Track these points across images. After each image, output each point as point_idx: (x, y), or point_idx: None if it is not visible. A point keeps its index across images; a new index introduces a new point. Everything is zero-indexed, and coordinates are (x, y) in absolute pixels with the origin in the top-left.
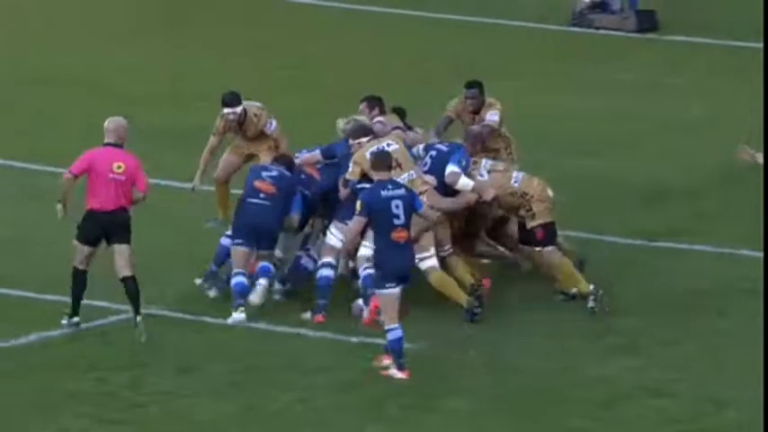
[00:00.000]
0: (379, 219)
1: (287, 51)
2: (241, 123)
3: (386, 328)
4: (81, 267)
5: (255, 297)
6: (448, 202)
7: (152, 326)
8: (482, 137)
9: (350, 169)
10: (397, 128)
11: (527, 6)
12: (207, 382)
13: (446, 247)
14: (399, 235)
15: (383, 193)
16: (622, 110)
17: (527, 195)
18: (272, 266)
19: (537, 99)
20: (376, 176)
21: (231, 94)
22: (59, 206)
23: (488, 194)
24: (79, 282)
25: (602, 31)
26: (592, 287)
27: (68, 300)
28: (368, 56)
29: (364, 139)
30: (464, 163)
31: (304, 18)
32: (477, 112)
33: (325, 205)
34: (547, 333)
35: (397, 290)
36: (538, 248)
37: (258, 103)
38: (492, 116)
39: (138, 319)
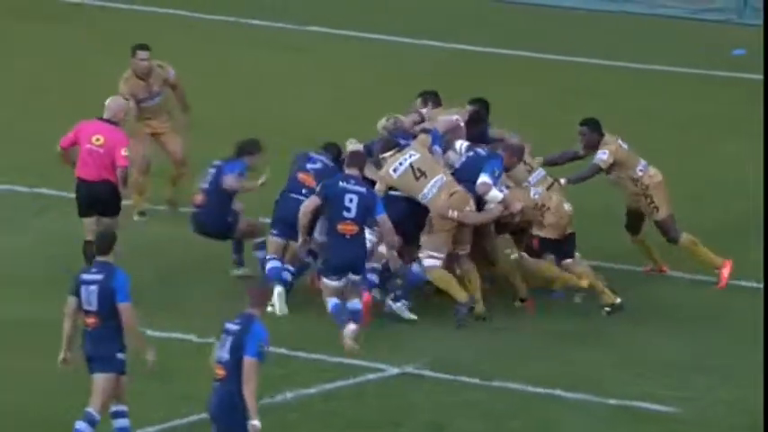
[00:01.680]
0: (330, 207)
1: None
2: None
3: (327, 299)
4: (89, 238)
5: (279, 306)
6: (475, 217)
7: (407, 384)
8: (521, 152)
9: (377, 186)
10: (424, 130)
11: None
12: None
13: (466, 247)
14: (346, 227)
15: (341, 184)
16: None
17: (545, 207)
18: (288, 269)
19: None
20: (346, 170)
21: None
22: None
23: (516, 207)
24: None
25: None
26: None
27: (326, 357)
28: None
29: (388, 154)
30: (497, 173)
31: None
32: (589, 148)
33: None
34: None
35: (340, 283)
36: (522, 255)
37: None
38: (601, 154)
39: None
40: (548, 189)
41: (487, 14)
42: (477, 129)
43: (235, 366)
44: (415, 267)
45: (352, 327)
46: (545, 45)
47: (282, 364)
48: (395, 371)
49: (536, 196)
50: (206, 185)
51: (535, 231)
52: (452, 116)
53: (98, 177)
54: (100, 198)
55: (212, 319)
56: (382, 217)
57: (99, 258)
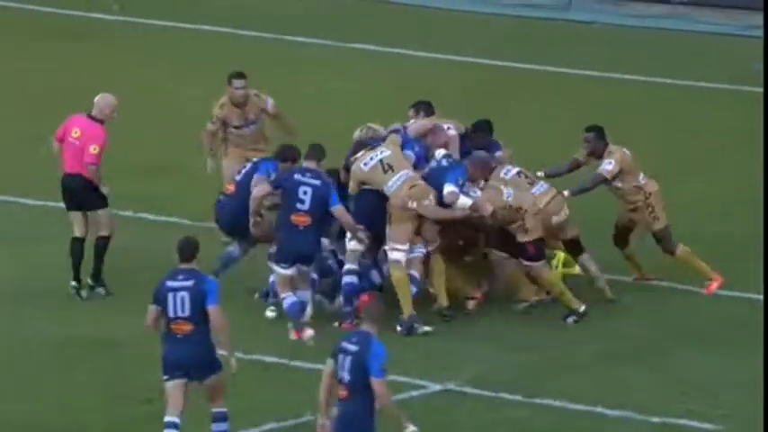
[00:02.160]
0: (284, 198)
1: None
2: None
3: (281, 297)
4: (75, 234)
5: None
6: (435, 211)
7: (449, 401)
8: (488, 166)
9: (350, 186)
10: (394, 131)
11: None
12: None
13: (434, 244)
14: (298, 219)
15: (296, 176)
16: None
17: (521, 210)
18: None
19: None
20: (304, 163)
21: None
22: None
23: (486, 210)
24: (74, 250)
25: None
26: (583, 308)
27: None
28: None
29: (359, 154)
30: (461, 181)
31: None
32: (593, 156)
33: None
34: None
35: (290, 271)
36: (527, 263)
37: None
38: (606, 164)
39: (89, 281)
40: (550, 201)
41: (518, 30)
42: (481, 139)
43: (358, 386)
44: (374, 273)
45: (309, 332)
46: (574, 61)
47: None
48: (437, 388)
49: (509, 198)
50: (239, 177)
51: (523, 238)
52: (432, 123)
53: (72, 170)
54: (74, 191)
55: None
56: (337, 208)
57: (183, 266)
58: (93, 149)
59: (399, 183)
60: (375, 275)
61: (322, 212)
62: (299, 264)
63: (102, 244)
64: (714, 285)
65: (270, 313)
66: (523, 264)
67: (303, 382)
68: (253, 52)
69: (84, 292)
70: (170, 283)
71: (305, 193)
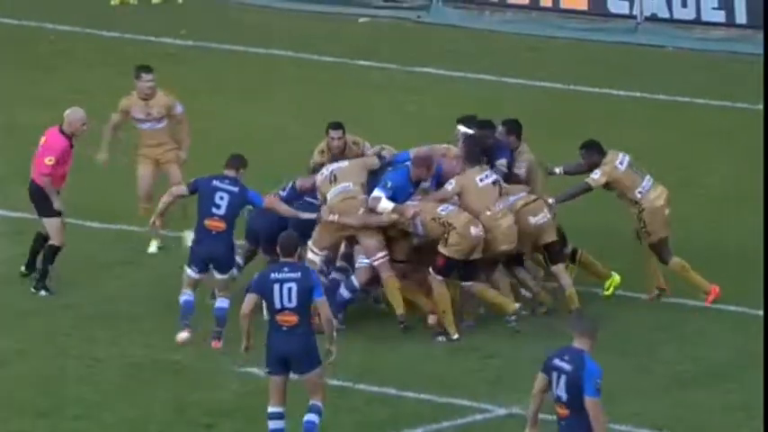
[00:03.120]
0: (200, 202)
1: None
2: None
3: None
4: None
5: None
6: (357, 219)
7: (514, 425)
8: (426, 162)
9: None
10: (378, 156)
11: None
12: None
13: (378, 255)
14: (212, 224)
15: (214, 182)
16: None
17: (449, 226)
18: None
19: None
20: (224, 171)
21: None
22: None
23: (407, 213)
24: (36, 240)
25: None
26: (456, 336)
27: (434, 398)
28: None
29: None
30: (389, 185)
31: None
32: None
33: None
34: None
35: (197, 275)
36: (431, 272)
37: None
38: (593, 174)
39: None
40: (528, 203)
41: (600, 56)
42: (489, 140)
43: (576, 405)
44: (342, 288)
45: (183, 335)
46: (646, 85)
47: (390, 404)
48: (502, 411)
49: (442, 212)
50: (282, 193)
51: (441, 249)
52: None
53: (32, 176)
54: (31, 196)
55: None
56: (263, 202)
57: (287, 259)
58: (47, 161)
59: (335, 194)
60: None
61: (234, 220)
62: (212, 268)
63: (50, 252)
64: (709, 300)
65: None
66: (427, 271)
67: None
68: (318, 75)
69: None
70: (275, 275)
71: (221, 198)
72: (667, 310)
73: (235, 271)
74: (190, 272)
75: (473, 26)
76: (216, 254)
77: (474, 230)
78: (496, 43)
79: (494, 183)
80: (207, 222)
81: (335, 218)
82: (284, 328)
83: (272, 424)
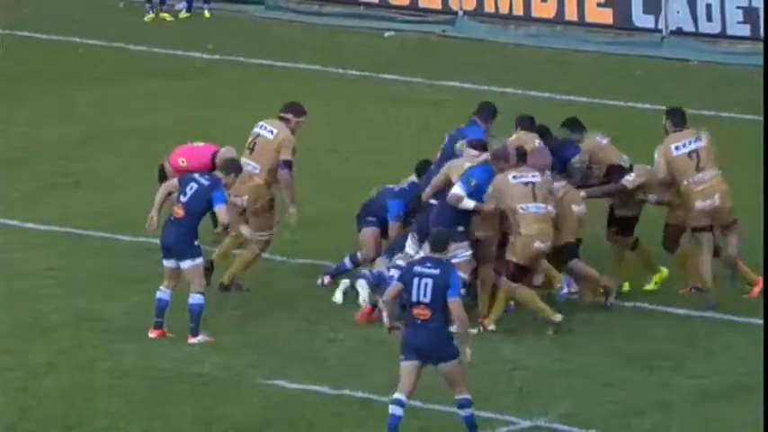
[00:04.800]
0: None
1: None
2: None
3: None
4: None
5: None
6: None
7: None
8: (506, 154)
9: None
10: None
11: None
12: None
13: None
14: (176, 209)
15: (194, 175)
16: None
17: (518, 227)
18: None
19: None
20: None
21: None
22: None
23: (487, 209)
24: None
25: None
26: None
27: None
28: None
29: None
30: (473, 182)
31: None
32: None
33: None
34: None
35: (168, 263)
36: (505, 282)
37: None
38: (628, 176)
39: None
40: (567, 192)
41: (625, 69)
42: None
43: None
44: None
45: (153, 335)
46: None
47: (416, 416)
48: (527, 424)
49: (521, 210)
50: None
51: (507, 254)
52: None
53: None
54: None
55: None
56: (219, 207)
57: (434, 255)
58: (181, 161)
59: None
60: None
61: (199, 211)
62: (175, 258)
63: None
64: (756, 290)
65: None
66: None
67: None
68: (344, 89)
69: None
70: (418, 269)
71: (191, 188)
72: (695, 324)
73: (200, 261)
74: (164, 260)
75: (498, 40)
76: (169, 240)
77: (537, 244)
78: (521, 57)
79: (525, 184)
80: (173, 208)
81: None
82: (418, 321)
83: (393, 409)
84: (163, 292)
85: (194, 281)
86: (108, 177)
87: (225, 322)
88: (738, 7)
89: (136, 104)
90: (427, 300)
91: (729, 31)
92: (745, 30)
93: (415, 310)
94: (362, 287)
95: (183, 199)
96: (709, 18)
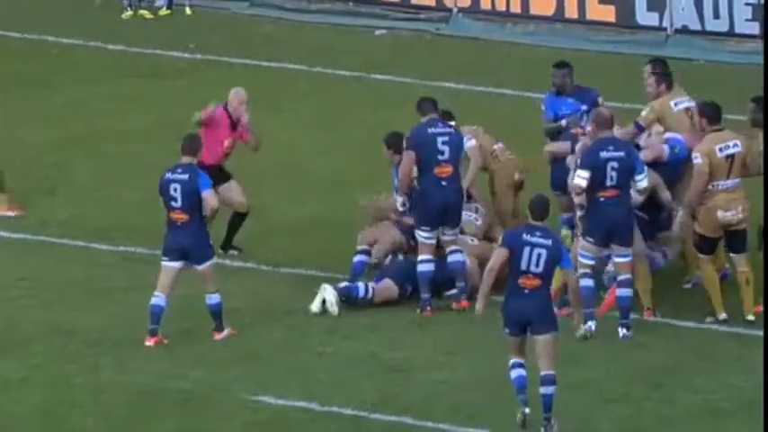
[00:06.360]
0: (163, 199)
1: None
2: None
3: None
4: None
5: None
6: None
7: None
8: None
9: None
10: None
11: None
12: None
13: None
14: (177, 216)
15: (167, 175)
16: None
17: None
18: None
19: None
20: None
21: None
22: None
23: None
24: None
25: None
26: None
27: (451, 427)
28: None
29: None
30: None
31: None
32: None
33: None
34: None
35: (172, 264)
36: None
37: None
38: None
39: None
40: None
41: (628, 69)
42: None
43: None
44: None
45: (150, 342)
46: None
47: None
48: None
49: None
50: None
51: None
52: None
53: None
54: None
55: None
56: (205, 193)
57: (538, 223)
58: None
59: None
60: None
61: (198, 206)
62: (185, 261)
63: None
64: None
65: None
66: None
67: None
68: (333, 90)
69: None
70: (527, 237)
71: (175, 190)
72: (704, 338)
73: (214, 260)
74: (163, 261)
75: (495, 38)
76: (185, 243)
77: (720, 214)
78: (519, 56)
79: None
80: (172, 215)
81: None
82: (525, 291)
83: (514, 372)
84: (158, 298)
85: (211, 280)
86: (84, 182)
87: (208, 333)
88: (747, 4)
89: (114, 106)
90: (539, 270)
91: (738, 29)
92: (754, 28)
93: (522, 279)
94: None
95: (176, 204)
96: (717, 15)
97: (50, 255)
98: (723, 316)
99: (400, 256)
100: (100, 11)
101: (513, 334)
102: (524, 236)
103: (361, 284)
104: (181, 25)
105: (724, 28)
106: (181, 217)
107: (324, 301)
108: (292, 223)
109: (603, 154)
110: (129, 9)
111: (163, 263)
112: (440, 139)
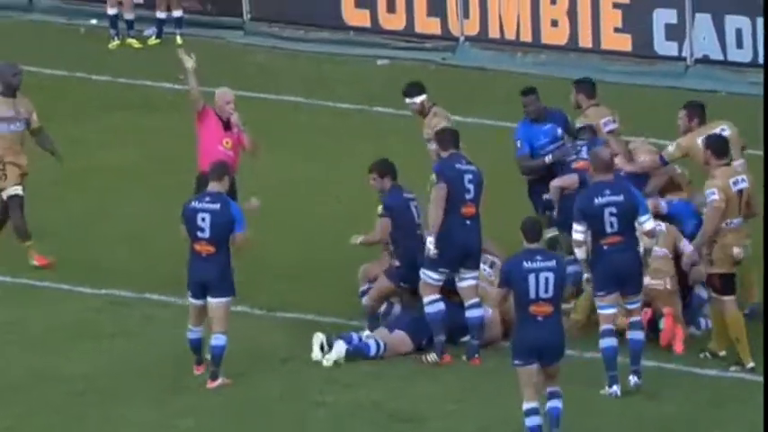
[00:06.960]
0: (187, 227)
1: None
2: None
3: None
4: None
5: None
6: None
7: None
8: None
9: None
10: None
11: None
12: None
13: None
14: (202, 248)
15: (192, 204)
16: None
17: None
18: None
19: None
20: (209, 187)
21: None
22: None
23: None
24: None
25: None
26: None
27: None
28: None
29: None
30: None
31: None
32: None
33: None
34: None
35: (197, 301)
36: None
37: None
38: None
39: None
40: None
41: (646, 102)
42: None
43: None
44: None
45: (197, 371)
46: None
47: None
48: None
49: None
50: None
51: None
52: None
53: None
54: None
55: None
56: (239, 235)
57: (534, 245)
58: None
59: None
60: None
61: (223, 239)
62: (208, 296)
63: None
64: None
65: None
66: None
67: None
68: (332, 123)
69: None
70: (528, 264)
71: (203, 220)
72: (725, 385)
73: (230, 299)
74: (189, 298)
75: (504, 68)
76: (208, 277)
77: (736, 250)
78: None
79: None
80: (196, 246)
81: None
82: (539, 318)
83: (530, 420)
84: (194, 332)
85: (222, 320)
86: (70, 220)
87: (201, 381)
88: None
89: (100, 140)
90: (549, 295)
91: (761, 60)
92: None
93: (533, 307)
94: (340, 347)
95: (203, 235)
96: (740, 45)
97: (35, 298)
98: (751, 365)
99: (397, 306)
100: (85, 40)
101: (527, 363)
102: (525, 264)
103: (372, 342)
104: (171, 55)
105: (747, 58)
106: (207, 249)
107: (322, 347)
108: (288, 264)
109: (598, 200)
110: (116, 38)
111: (188, 297)
112: (466, 177)
